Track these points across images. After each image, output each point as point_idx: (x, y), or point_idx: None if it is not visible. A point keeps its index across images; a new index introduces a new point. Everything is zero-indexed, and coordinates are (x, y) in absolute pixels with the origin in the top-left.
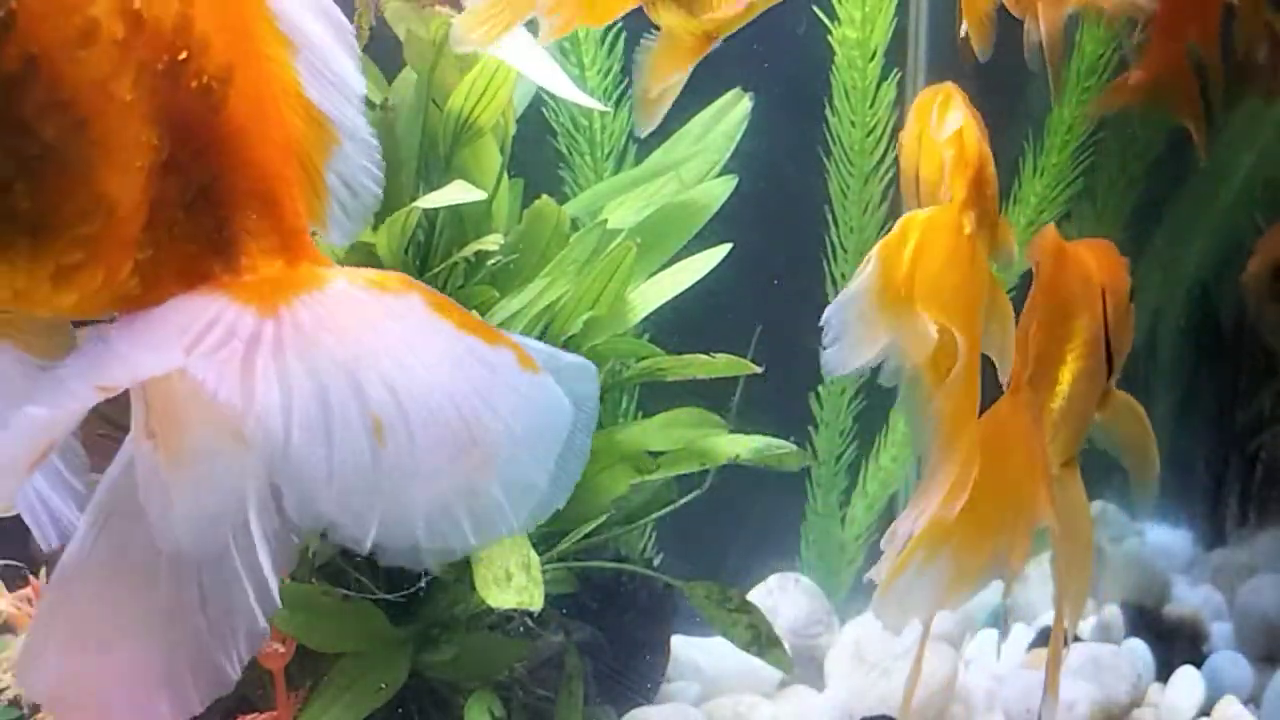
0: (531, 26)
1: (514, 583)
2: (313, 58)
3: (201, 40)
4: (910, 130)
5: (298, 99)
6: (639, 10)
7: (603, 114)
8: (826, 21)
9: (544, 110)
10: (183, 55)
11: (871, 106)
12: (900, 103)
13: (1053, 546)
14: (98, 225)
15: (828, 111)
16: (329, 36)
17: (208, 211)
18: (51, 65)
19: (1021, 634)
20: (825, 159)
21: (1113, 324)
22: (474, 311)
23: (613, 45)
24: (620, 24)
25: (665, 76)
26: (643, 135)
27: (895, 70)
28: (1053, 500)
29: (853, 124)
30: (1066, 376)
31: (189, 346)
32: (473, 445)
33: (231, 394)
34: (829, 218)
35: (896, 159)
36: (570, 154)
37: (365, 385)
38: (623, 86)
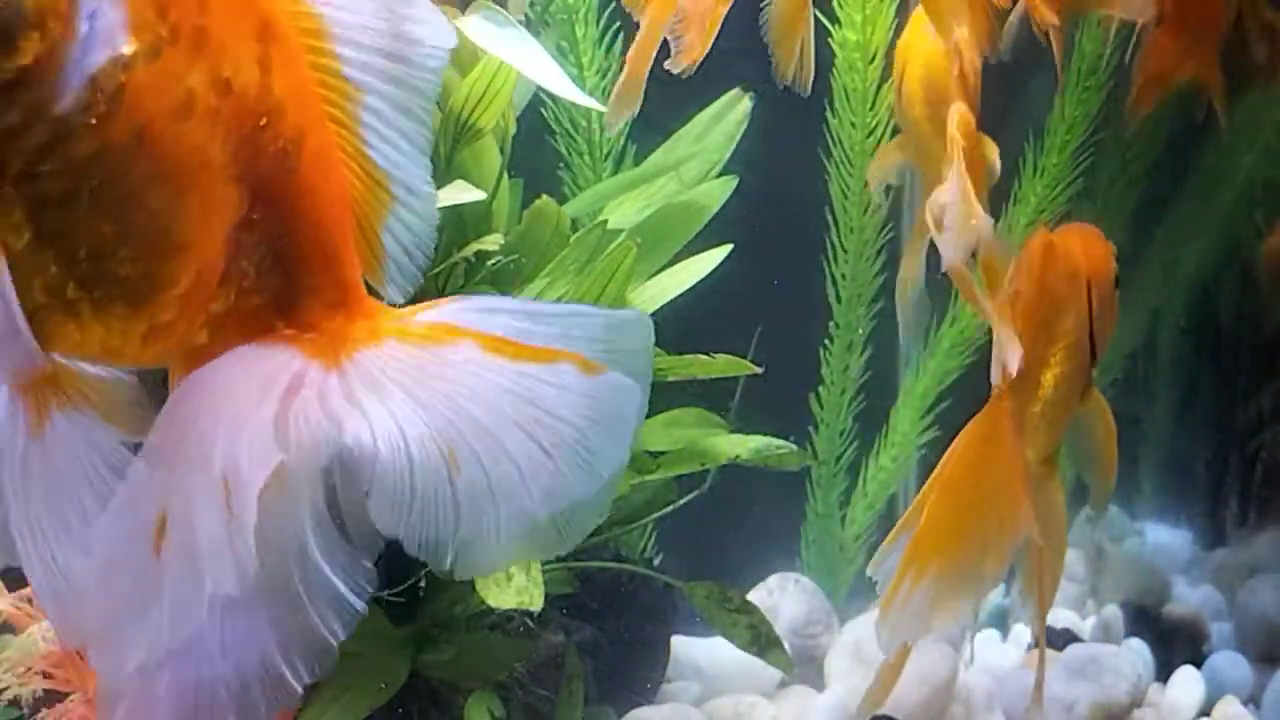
0: (532, 25)
1: (514, 583)
2: (380, 105)
3: (279, 106)
4: (907, 37)
5: (359, 156)
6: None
7: (601, 114)
8: (827, 24)
9: (543, 110)
10: (263, 121)
11: (871, 108)
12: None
13: (1028, 539)
14: (188, 285)
15: (828, 113)
16: (399, 79)
17: (276, 268)
18: (157, 135)
19: (1021, 634)
20: (825, 160)
21: (1097, 314)
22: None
23: (610, 45)
24: (619, 24)
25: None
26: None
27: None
28: (1034, 511)
29: (853, 125)
30: (1050, 379)
31: (275, 422)
32: (546, 458)
33: (316, 431)
34: (829, 218)
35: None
36: (569, 154)
37: (434, 421)
38: None
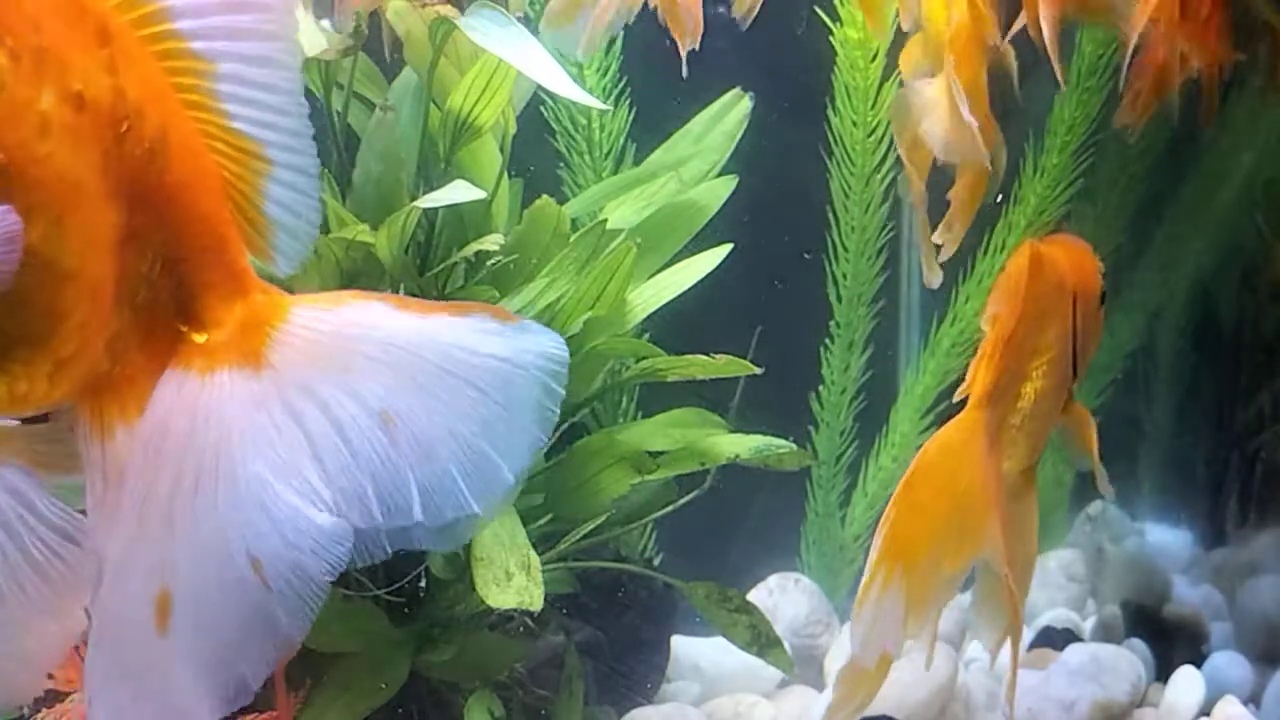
0: (530, 25)
1: (514, 583)
2: (235, 68)
3: (136, 107)
4: None
5: (225, 133)
6: (637, 10)
7: (601, 113)
8: (828, 22)
9: (542, 110)
10: (124, 127)
11: (873, 107)
12: None
13: (992, 557)
14: (84, 312)
15: (829, 112)
16: (246, 32)
17: (167, 274)
18: (20, 167)
19: (1022, 634)
20: (827, 159)
21: (1080, 329)
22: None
23: (610, 44)
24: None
25: None
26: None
27: (896, 71)
28: (1005, 524)
29: (854, 124)
30: (1030, 392)
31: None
32: (480, 395)
33: (261, 450)
34: (830, 217)
35: (898, 158)
36: (569, 154)
37: (362, 387)
38: (621, 85)
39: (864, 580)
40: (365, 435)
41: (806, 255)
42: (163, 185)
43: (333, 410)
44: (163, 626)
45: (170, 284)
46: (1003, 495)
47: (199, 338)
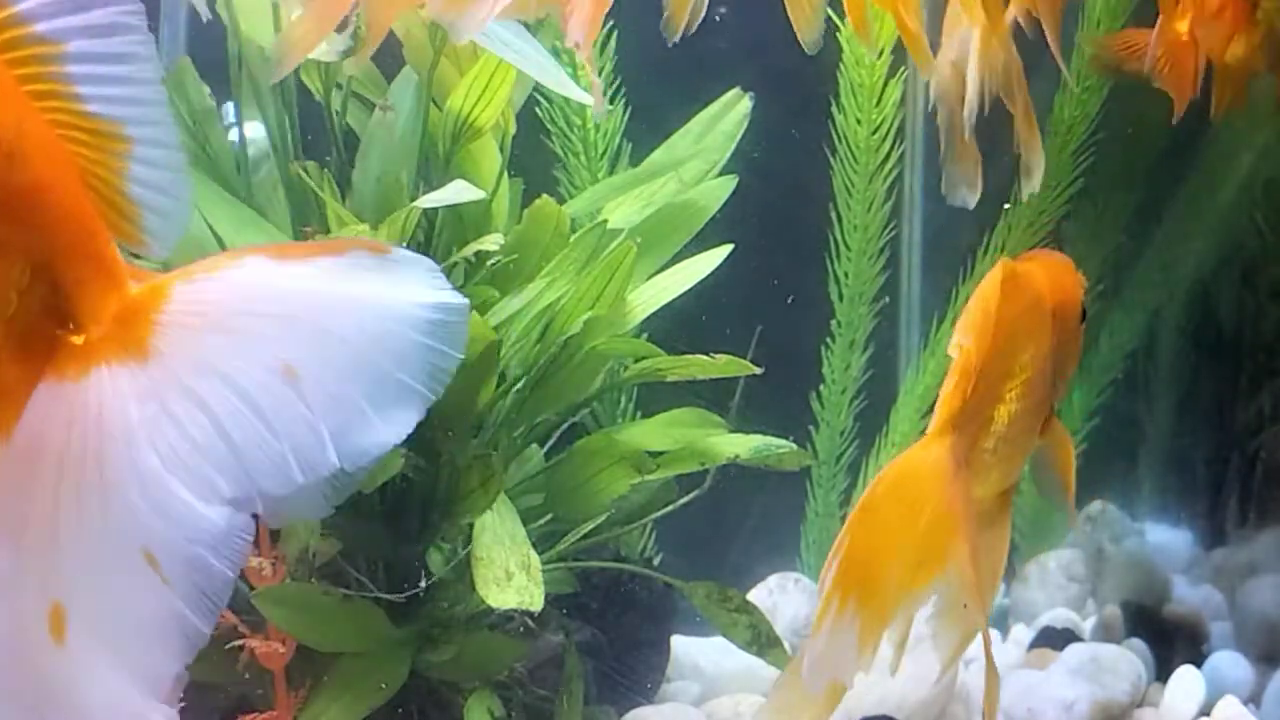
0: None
1: (514, 583)
2: (84, 46)
3: None
4: None
5: (79, 116)
6: (636, 10)
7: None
8: (835, 19)
9: (538, 110)
10: None
11: (878, 104)
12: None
13: (954, 585)
14: None
15: (834, 109)
16: (98, 14)
17: (38, 279)
18: None
19: (1022, 634)
20: (830, 156)
21: (1058, 349)
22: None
23: (605, 44)
24: (614, 23)
25: None
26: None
27: (902, 68)
28: (973, 551)
29: (858, 121)
30: (1004, 414)
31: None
32: (379, 322)
33: (154, 444)
34: (832, 215)
35: (902, 155)
36: (565, 154)
37: (256, 350)
38: (616, 85)
39: (818, 609)
40: (273, 397)
41: (775, 283)
42: (23, 188)
43: (235, 380)
44: (59, 638)
45: (44, 289)
46: (972, 521)
47: (77, 340)
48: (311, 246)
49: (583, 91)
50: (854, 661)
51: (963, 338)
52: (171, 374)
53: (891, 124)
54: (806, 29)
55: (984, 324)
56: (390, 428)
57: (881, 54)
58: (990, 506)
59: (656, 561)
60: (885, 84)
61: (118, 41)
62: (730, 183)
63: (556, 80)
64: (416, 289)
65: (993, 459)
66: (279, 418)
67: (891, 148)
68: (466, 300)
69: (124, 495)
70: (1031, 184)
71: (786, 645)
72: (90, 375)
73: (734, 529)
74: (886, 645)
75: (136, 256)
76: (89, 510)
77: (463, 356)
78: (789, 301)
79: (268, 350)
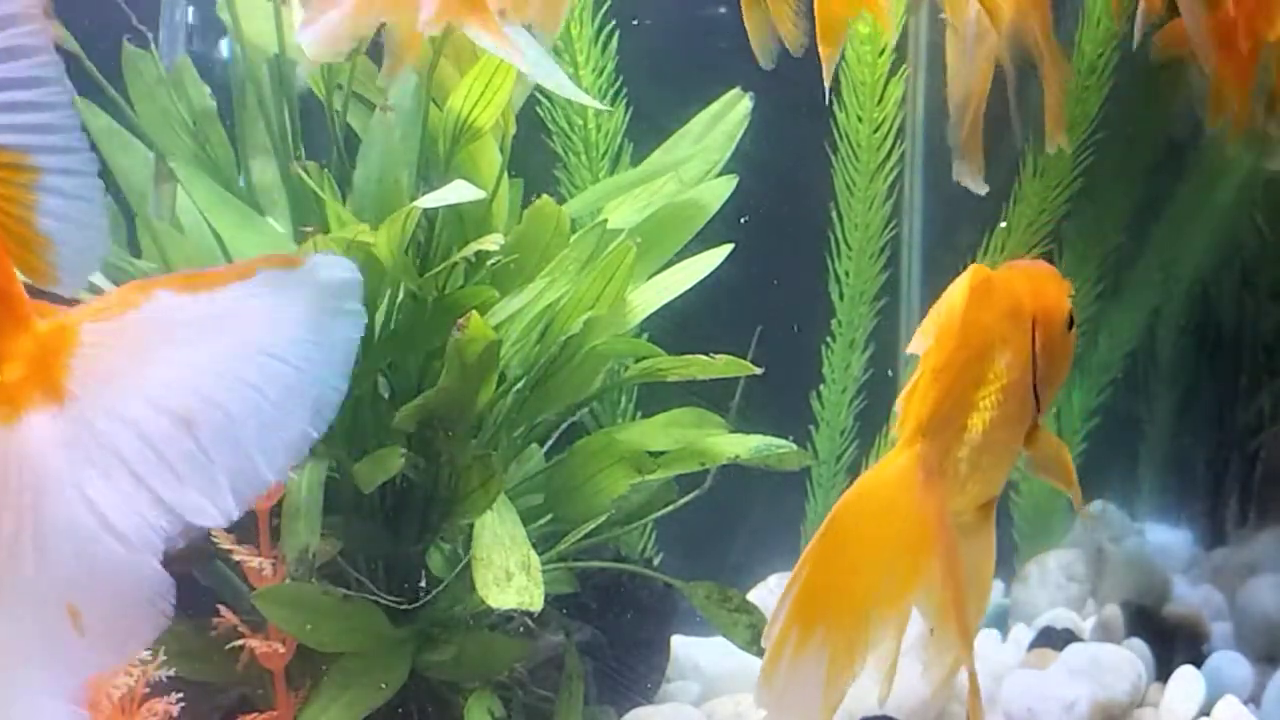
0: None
1: (514, 583)
2: None
3: None
4: None
5: None
6: (635, 9)
7: (598, 113)
8: None
9: (538, 110)
10: None
11: (880, 103)
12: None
13: (929, 600)
14: None
15: (835, 107)
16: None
17: None
18: None
19: (1022, 634)
20: (831, 155)
21: (1041, 357)
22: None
23: (606, 43)
24: (614, 22)
25: None
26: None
27: (904, 66)
28: (951, 569)
29: (860, 120)
30: (978, 423)
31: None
32: (282, 366)
33: (80, 490)
34: (833, 214)
35: (903, 154)
36: (565, 154)
37: (162, 395)
38: (617, 85)
39: (771, 645)
40: (175, 445)
41: (775, 283)
42: None
43: (141, 428)
44: None
45: None
46: (949, 534)
47: None
48: (224, 272)
49: (584, 93)
50: (821, 696)
51: (925, 339)
52: (86, 419)
53: (892, 123)
54: (787, 37)
55: (947, 325)
56: (272, 472)
57: (883, 53)
58: (971, 519)
59: (656, 561)
60: (886, 82)
61: (21, 65)
62: (730, 182)
63: (559, 82)
64: (307, 309)
65: (969, 469)
66: (183, 465)
67: (892, 146)
68: (360, 307)
69: (55, 545)
70: (1060, 138)
71: None
72: (17, 421)
73: (734, 529)
74: (873, 669)
75: (42, 292)
76: (19, 559)
77: (346, 385)
78: (776, 284)
79: (171, 397)
